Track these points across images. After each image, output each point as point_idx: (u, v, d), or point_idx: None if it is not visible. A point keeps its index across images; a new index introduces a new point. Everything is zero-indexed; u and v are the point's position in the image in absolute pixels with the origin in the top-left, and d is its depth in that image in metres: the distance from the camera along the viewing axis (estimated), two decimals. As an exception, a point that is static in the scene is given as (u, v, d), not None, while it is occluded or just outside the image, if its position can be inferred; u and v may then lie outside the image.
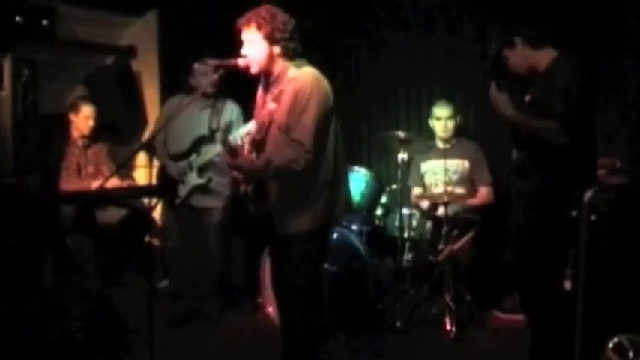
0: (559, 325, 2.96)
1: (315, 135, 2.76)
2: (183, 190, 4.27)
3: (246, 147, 3.00)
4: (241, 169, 2.92)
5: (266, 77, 2.95)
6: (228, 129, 4.24)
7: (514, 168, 3.23)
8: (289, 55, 2.88)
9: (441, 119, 4.58)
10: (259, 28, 2.83)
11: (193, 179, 4.25)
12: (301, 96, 2.78)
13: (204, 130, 4.26)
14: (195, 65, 4.23)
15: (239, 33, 2.91)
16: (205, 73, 4.16)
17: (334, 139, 2.90)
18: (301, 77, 2.84)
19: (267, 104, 2.92)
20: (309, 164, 2.76)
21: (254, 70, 2.90)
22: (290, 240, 2.90)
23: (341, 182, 2.97)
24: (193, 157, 4.26)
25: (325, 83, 2.88)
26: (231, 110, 4.34)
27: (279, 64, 2.89)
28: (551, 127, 2.88)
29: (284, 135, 2.81)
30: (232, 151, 2.99)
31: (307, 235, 2.87)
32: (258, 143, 2.95)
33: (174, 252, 4.49)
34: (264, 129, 2.92)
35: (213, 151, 4.18)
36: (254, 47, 2.86)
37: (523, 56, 3.10)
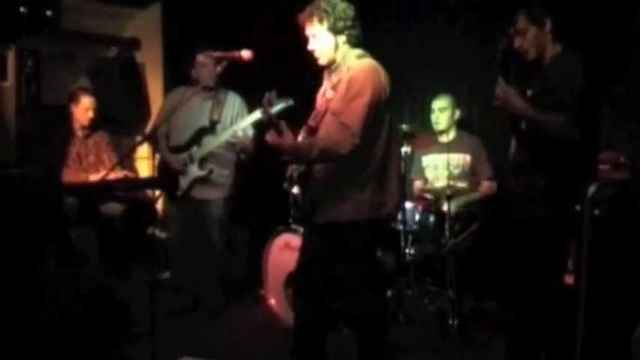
0: (558, 321, 2.96)
1: (364, 121, 2.74)
2: (184, 182, 4.25)
3: (302, 134, 3.00)
4: (284, 147, 2.85)
5: (329, 66, 2.97)
6: (232, 121, 4.25)
7: (514, 166, 3.22)
8: (353, 42, 2.91)
9: (434, 110, 4.60)
10: (322, 20, 2.86)
11: (194, 171, 4.23)
12: (355, 83, 2.79)
13: (205, 122, 4.24)
14: (200, 57, 4.21)
15: (302, 29, 2.92)
16: (206, 64, 4.15)
17: (388, 133, 2.90)
18: (358, 66, 2.85)
19: (326, 92, 2.96)
20: (355, 149, 2.73)
21: (323, 62, 2.94)
22: (331, 229, 2.88)
23: (392, 177, 2.94)
24: (194, 148, 4.24)
25: (382, 75, 2.88)
26: (233, 102, 4.33)
27: (342, 53, 2.91)
28: (563, 121, 2.86)
29: (335, 120, 2.81)
30: (278, 129, 2.84)
31: (350, 226, 2.85)
32: (312, 130, 2.96)
33: (175, 244, 4.49)
34: (319, 116, 2.94)
35: (214, 142, 4.16)
36: (320, 40, 2.89)
37: (540, 40, 3.05)
